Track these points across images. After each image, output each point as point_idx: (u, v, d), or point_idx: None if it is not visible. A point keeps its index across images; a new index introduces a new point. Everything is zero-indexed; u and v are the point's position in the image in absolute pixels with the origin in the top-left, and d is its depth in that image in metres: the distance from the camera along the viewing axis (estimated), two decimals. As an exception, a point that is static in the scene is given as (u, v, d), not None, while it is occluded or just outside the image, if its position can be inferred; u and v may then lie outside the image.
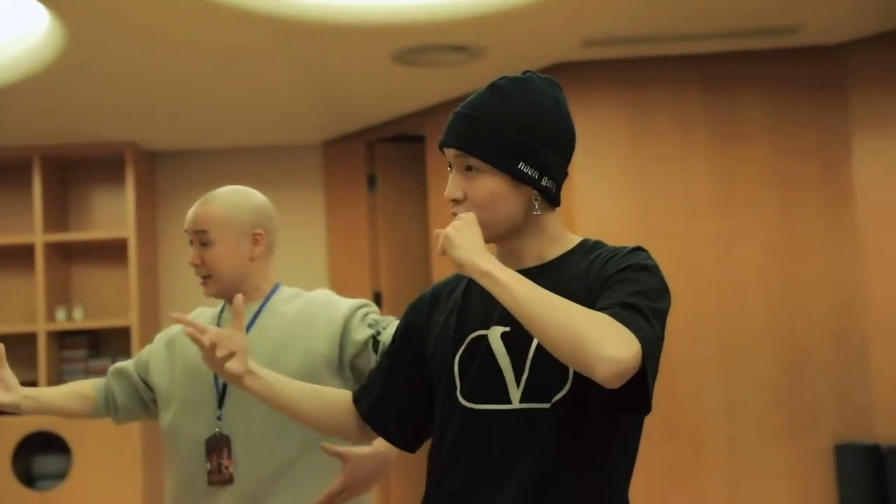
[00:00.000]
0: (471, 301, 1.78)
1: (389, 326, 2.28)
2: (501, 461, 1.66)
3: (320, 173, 6.26)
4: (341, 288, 6.05)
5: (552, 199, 1.76)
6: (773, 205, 4.82)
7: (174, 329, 2.48)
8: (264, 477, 2.23)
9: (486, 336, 1.72)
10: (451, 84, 4.96)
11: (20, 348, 5.87)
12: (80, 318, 5.81)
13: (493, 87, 1.74)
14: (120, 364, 2.52)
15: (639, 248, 1.71)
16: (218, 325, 2.38)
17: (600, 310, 1.57)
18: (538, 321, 1.54)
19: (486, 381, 1.69)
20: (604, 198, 4.84)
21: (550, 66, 4.83)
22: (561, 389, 1.65)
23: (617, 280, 1.63)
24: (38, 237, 5.70)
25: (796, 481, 4.69)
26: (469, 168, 1.71)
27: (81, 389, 2.48)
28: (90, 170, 6.12)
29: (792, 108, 4.86)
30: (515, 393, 1.67)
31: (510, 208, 1.71)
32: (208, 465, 2.26)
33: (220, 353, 1.76)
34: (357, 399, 1.91)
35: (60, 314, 5.76)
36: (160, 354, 2.44)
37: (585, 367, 1.51)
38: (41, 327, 5.67)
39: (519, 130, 1.70)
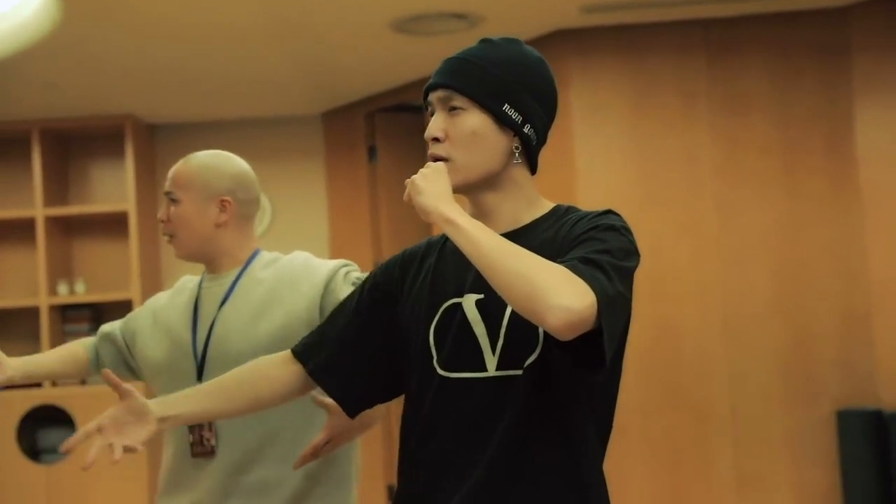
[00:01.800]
0: (443, 268, 1.76)
1: None
2: (478, 429, 1.66)
3: (320, 144, 6.23)
4: (343, 258, 6.04)
5: (531, 158, 1.74)
6: (776, 173, 4.79)
7: (161, 300, 2.47)
8: (249, 447, 2.22)
9: (460, 304, 1.70)
10: (450, 53, 4.91)
11: (23, 322, 5.88)
12: (81, 292, 5.81)
13: (484, 40, 1.76)
14: (108, 328, 2.52)
15: (609, 211, 1.70)
16: (197, 295, 2.36)
17: (560, 263, 1.55)
18: (495, 269, 1.53)
19: (463, 349, 1.68)
20: (605, 167, 4.82)
21: (550, 34, 4.79)
22: (532, 354, 1.64)
23: (583, 239, 1.62)
24: (39, 211, 5.69)
25: (799, 448, 4.70)
26: (453, 108, 1.71)
27: (73, 352, 2.48)
28: (90, 143, 6.10)
29: (795, 74, 4.82)
30: (492, 361, 1.66)
31: (490, 151, 1.69)
32: (191, 438, 2.26)
33: (117, 450, 1.69)
34: (303, 357, 1.85)
35: (62, 288, 5.76)
36: (148, 327, 2.42)
37: (538, 316, 1.50)
38: (43, 301, 5.67)
39: (507, 74, 1.70)
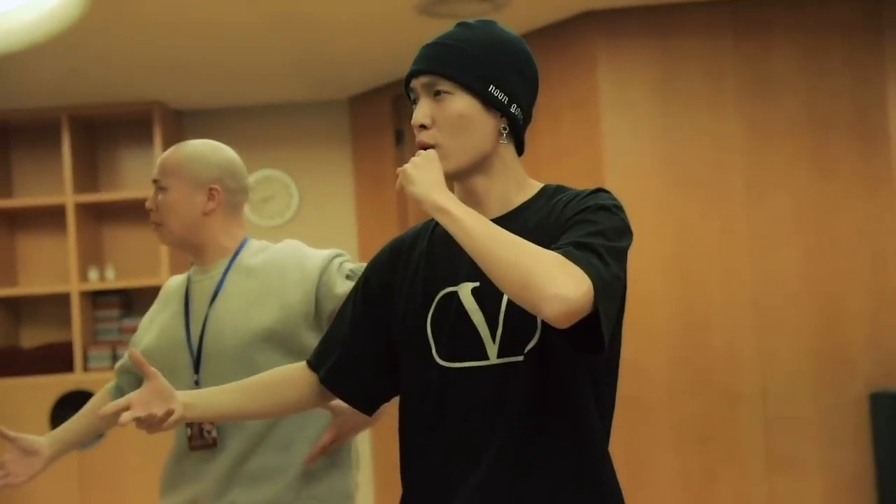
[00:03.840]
0: (435, 256, 1.75)
1: None
2: (484, 418, 1.65)
3: (347, 129, 6.23)
4: (370, 243, 6.05)
5: (518, 137, 1.73)
6: (805, 152, 4.74)
7: (154, 309, 2.47)
8: (251, 436, 2.22)
9: (455, 293, 1.69)
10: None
11: (54, 308, 5.94)
12: (112, 278, 5.85)
13: (461, 24, 1.74)
14: (120, 361, 2.53)
15: (600, 190, 1.68)
16: (186, 291, 2.36)
17: (554, 249, 1.54)
18: (490, 258, 1.52)
19: (462, 338, 1.67)
20: (633, 148, 4.79)
21: (577, 15, 4.76)
22: (531, 339, 1.63)
23: (575, 221, 1.61)
24: (69, 198, 5.73)
25: (831, 430, 4.67)
26: (438, 93, 1.69)
27: (97, 403, 2.49)
28: (118, 130, 6.13)
29: (825, 54, 4.76)
30: (492, 349, 1.65)
31: (479, 133, 1.68)
32: (189, 431, 2.26)
33: (160, 413, 1.70)
34: (315, 366, 1.87)
35: (93, 274, 5.80)
36: (147, 333, 2.43)
37: (534, 306, 1.50)
38: (74, 288, 5.72)
39: (490, 54, 1.69)
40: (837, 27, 4.76)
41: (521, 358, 1.64)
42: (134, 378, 2.48)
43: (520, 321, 1.63)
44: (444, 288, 1.70)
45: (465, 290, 1.68)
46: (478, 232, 1.54)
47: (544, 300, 1.47)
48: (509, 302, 1.63)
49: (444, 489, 1.69)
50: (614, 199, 1.67)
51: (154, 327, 2.40)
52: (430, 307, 1.71)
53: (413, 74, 1.73)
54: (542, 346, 1.63)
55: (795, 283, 4.71)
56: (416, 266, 1.76)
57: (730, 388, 4.71)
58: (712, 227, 4.72)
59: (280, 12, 4.52)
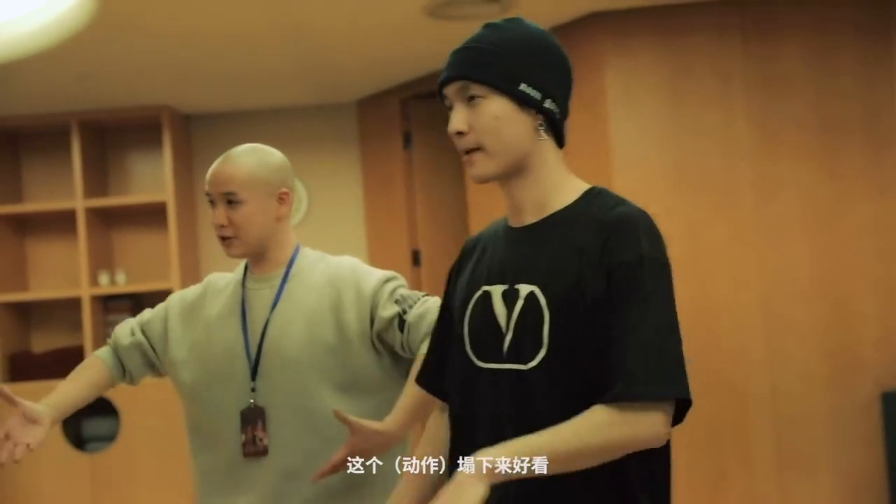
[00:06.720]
0: (490, 254, 1.76)
1: (416, 305, 2.23)
2: (506, 421, 1.65)
3: (356, 132, 6.24)
4: (379, 246, 6.06)
5: (556, 130, 1.72)
6: (814, 151, 4.74)
7: (188, 299, 2.44)
8: (304, 450, 2.23)
9: (490, 292, 1.71)
10: (484, 38, 4.88)
11: (65, 313, 5.96)
12: (122, 282, 5.87)
13: (487, 25, 1.74)
14: (127, 339, 2.49)
15: (641, 218, 1.62)
16: (242, 293, 2.34)
17: (611, 376, 1.56)
18: (583, 458, 1.54)
19: (486, 338, 1.69)
20: (641, 149, 4.79)
21: (585, 16, 4.76)
22: (539, 352, 1.62)
23: (618, 295, 1.58)
24: (79, 203, 5.75)
25: (842, 429, 4.66)
26: (471, 98, 1.68)
27: (94, 376, 2.46)
28: (127, 134, 6.15)
29: (833, 53, 4.75)
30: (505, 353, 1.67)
31: (517, 133, 1.67)
32: (243, 437, 2.25)
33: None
34: (422, 381, 1.92)
35: (103, 279, 5.82)
36: (180, 330, 2.41)
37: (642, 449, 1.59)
38: (85, 292, 5.74)
39: (518, 53, 1.68)
40: (846, 27, 4.75)
41: (529, 366, 1.63)
42: (141, 357, 2.45)
43: (527, 330, 1.63)
44: (482, 286, 1.73)
45: (497, 291, 1.70)
46: (556, 449, 1.52)
47: (645, 446, 1.57)
48: (521, 310, 1.63)
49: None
50: (655, 231, 1.61)
51: (198, 324, 2.36)
52: (469, 303, 1.74)
53: (445, 82, 1.71)
54: (551, 360, 1.62)
55: (805, 283, 4.71)
56: (473, 264, 1.79)
57: (740, 388, 4.70)
58: (721, 228, 4.72)
59: (289, 18, 4.53)
